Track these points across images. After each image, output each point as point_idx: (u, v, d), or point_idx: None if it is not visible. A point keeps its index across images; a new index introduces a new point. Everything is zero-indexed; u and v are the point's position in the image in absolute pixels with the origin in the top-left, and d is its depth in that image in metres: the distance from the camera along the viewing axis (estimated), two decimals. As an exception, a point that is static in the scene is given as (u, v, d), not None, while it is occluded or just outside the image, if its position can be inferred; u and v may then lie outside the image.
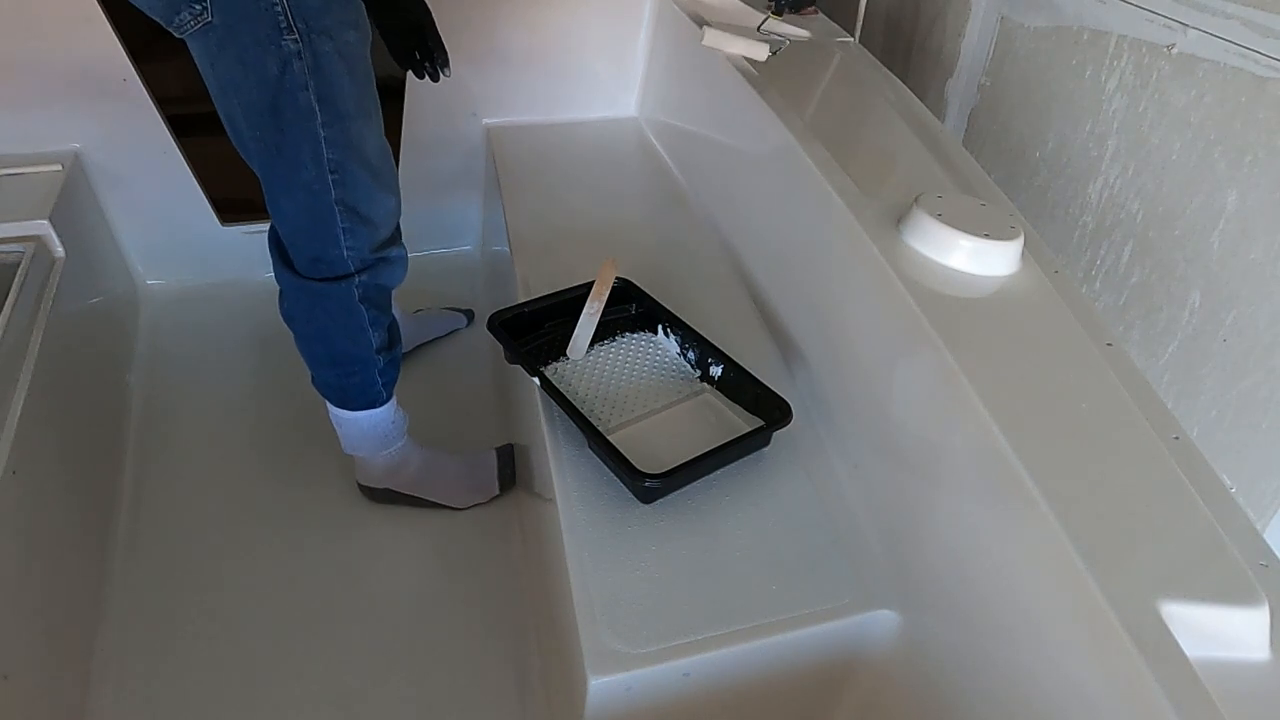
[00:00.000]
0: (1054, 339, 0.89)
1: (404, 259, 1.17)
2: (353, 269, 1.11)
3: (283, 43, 0.92)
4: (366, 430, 1.29)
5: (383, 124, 1.08)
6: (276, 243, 1.13)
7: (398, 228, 1.16)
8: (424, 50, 1.31)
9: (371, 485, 1.39)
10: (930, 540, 0.89)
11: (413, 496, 1.39)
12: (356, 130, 1.01)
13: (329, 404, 1.27)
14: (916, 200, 1.02)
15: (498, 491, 1.43)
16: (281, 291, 1.16)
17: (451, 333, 1.79)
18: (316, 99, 0.96)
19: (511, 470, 1.45)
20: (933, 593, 0.88)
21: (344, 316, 1.14)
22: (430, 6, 1.42)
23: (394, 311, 1.34)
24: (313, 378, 1.25)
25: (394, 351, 1.24)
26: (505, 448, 1.46)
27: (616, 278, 1.24)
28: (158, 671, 1.17)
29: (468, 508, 1.41)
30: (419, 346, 1.74)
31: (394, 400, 1.30)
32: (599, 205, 1.61)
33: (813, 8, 1.75)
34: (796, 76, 1.43)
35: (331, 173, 1.02)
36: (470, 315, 1.83)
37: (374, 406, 1.26)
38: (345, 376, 1.22)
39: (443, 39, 1.32)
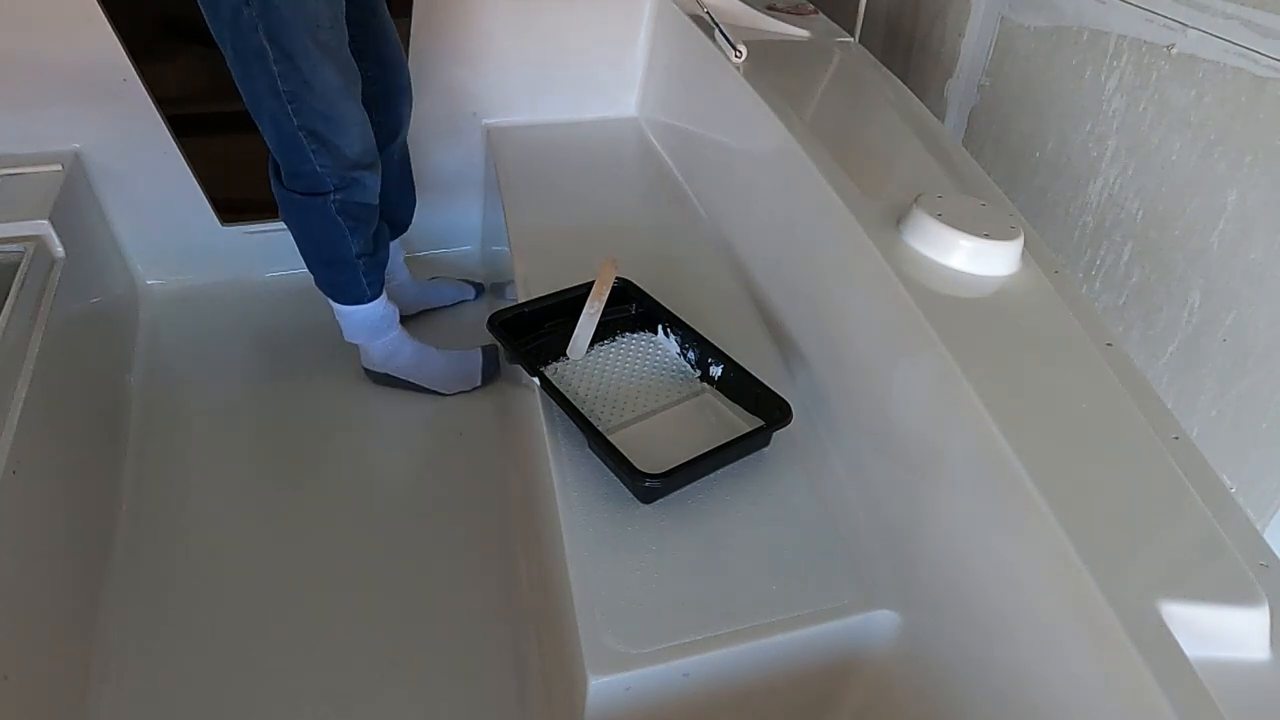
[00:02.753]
0: (1054, 339, 0.89)
1: (376, 182, 1.36)
2: (329, 187, 1.30)
3: None
4: (359, 322, 1.51)
5: (343, 56, 1.22)
6: (273, 158, 1.32)
7: (373, 153, 1.33)
8: None
9: (372, 369, 1.60)
10: (930, 540, 0.89)
11: (407, 381, 1.59)
12: (308, 68, 1.17)
13: (328, 299, 1.49)
14: (916, 200, 1.02)
15: (479, 383, 1.62)
16: (277, 202, 1.36)
17: (459, 303, 1.86)
18: (267, 40, 1.13)
19: (495, 366, 1.64)
20: (933, 593, 0.88)
21: (326, 226, 1.35)
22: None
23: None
24: (314, 278, 1.46)
25: (376, 257, 1.44)
26: (490, 347, 1.64)
27: (616, 278, 1.24)
28: (158, 671, 1.17)
29: (454, 394, 1.60)
30: (425, 312, 1.80)
31: (384, 297, 1.50)
32: (599, 205, 1.61)
33: (812, 8, 1.76)
34: (796, 76, 1.43)
35: (289, 103, 1.19)
36: (480, 289, 1.89)
37: (361, 302, 1.47)
38: (333, 275, 1.44)
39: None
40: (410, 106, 1.56)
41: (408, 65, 1.51)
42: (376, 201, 1.39)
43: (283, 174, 1.32)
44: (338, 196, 1.31)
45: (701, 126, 1.64)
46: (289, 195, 1.32)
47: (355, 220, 1.36)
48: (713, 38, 1.50)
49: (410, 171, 1.66)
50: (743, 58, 1.42)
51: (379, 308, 1.50)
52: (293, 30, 1.14)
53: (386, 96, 1.48)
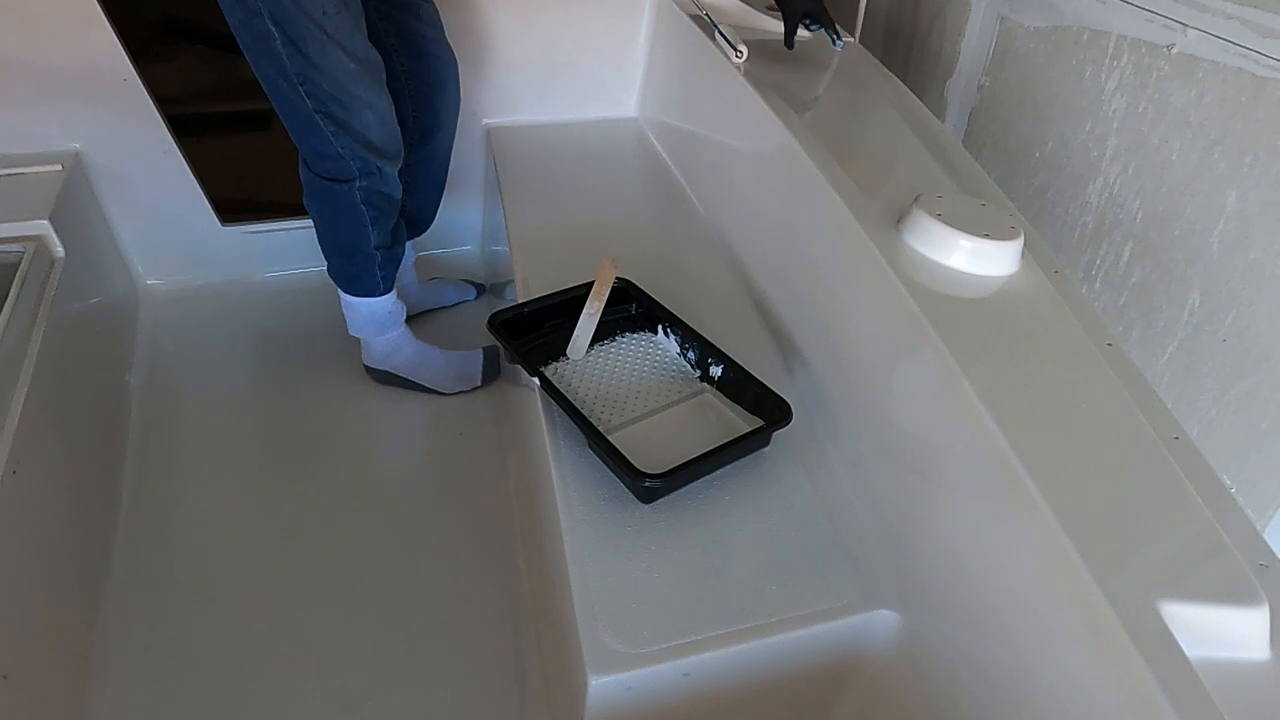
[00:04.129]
0: (1054, 339, 0.89)
1: (395, 174, 1.35)
2: (354, 173, 1.30)
3: None
4: (366, 316, 1.51)
5: (357, 42, 1.21)
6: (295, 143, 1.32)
7: (395, 144, 1.32)
8: (817, 24, 1.49)
9: (373, 366, 1.60)
10: (930, 540, 0.89)
11: (407, 380, 1.60)
12: (316, 50, 1.16)
13: (339, 290, 1.48)
14: (916, 200, 1.02)
15: (479, 383, 1.62)
16: (303, 186, 1.35)
17: (460, 303, 1.86)
18: (272, 23, 1.13)
19: (496, 367, 1.64)
20: (933, 592, 0.88)
21: (349, 213, 1.35)
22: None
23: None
24: (327, 266, 1.46)
25: (393, 250, 1.45)
26: (491, 347, 1.64)
27: (616, 278, 1.24)
28: (158, 671, 1.17)
29: (454, 393, 1.60)
30: (427, 312, 1.81)
31: (393, 293, 1.50)
32: (599, 205, 1.61)
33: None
34: (796, 76, 1.43)
35: (301, 85, 1.19)
36: (481, 289, 1.89)
37: (373, 295, 1.47)
38: (349, 265, 1.43)
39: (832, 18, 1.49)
40: (455, 108, 1.55)
41: (454, 65, 1.51)
42: (398, 194, 1.38)
43: (306, 157, 1.31)
44: (363, 184, 1.31)
45: (701, 126, 1.64)
46: (315, 180, 1.32)
47: (378, 211, 1.36)
48: (713, 38, 1.50)
49: (445, 175, 1.66)
50: (744, 57, 1.42)
51: (387, 303, 1.50)
52: (295, 16, 1.14)
53: (423, 93, 1.49)
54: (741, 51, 1.42)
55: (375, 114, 1.27)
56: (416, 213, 1.65)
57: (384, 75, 1.27)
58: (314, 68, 1.18)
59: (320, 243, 1.42)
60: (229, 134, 1.96)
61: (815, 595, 0.91)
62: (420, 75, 1.46)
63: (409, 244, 1.67)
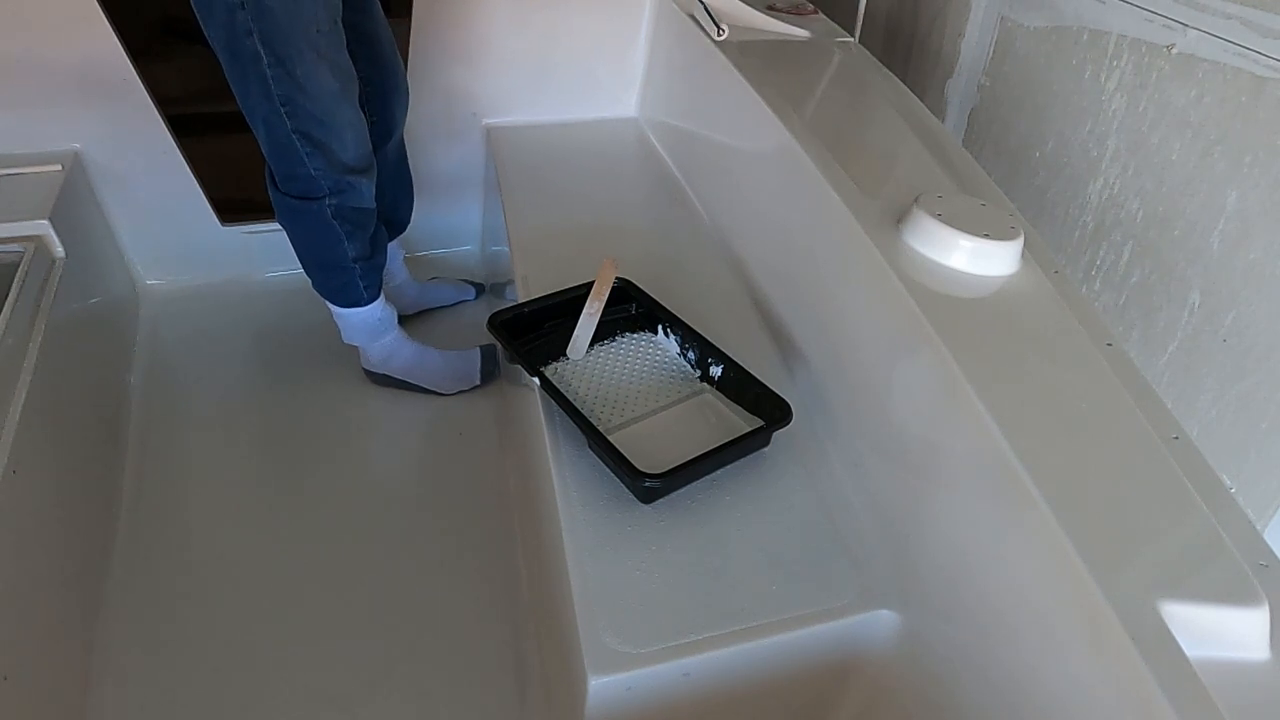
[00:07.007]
0: (1054, 339, 0.89)
1: (372, 187, 1.36)
2: (324, 191, 1.29)
3: None
4: (357, 324, 1.52)
5: (342, 59, 1.22)
6: (267, 162, 1.31)
7: (368, 158, 1.33)
8: None
9: (371, 370, 1.60)
10: (930, 540, 0.89)
11: (406, 382, 1.60)
12: (303, 73, 1.16)
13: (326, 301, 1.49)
14: (916, 200, 1.02)
15: (478, 382, 1.62)
16: (273, 206, 1.35)
17: (459, 303, 1.86)
18: (260, 44, 1.13)
19: (494, 365, 1.64)
20: (933, 592, 0.88)
21: (321, 230, 1.34)
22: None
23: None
24: (310, 281, 1.46)
25: (373, 260, 1.44)
26: (489, 346, 1.64)
27: (616, 278, 1.24)
28: (158, 672, 1.17)
29: (453, 393, 1.61)
30: (425, 312, 1.81)
31: (381, 299, 1.50)
32: (599, 205, 1.61)
33: (812, 8, 1.76)
34: (796, 76, 1.43)
35: (283, 106, 1.19)
36: (480, 289, 1.89)
37: (358, 305, 1.47)
38: (330, 279, 1.44)
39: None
40: (405, 106, 1.55)
41: (403, 64, 1.51)
42: (373, 205, 1.38)
43: (277, 178, 1.31)
44: (333, 201, 1.31)
45: (701, 126, 1.64)
46: (284, 199, 1.31)
47: (352, 225, 1.35)
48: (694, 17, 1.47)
49: (408, 171, 1.66)
50: (724, 35, 1.39)
51: (377, 310, 1.50)
52: (288, 35, 1.13)
53: (381, 96, 1.48)
54: (723, 30, 1.39)
55: (354, 132, 1.27)
56: (391, 214, 1.64)
57: (358, 89, 1.27)
58: (299, 89, 1.17)
59: (298, 259, 1.42)
60: (229, 134, 1.95)
61: (815, 595, 0.91)
62: (377, 80, 1.45)
63: (395, 243, 1.67)
